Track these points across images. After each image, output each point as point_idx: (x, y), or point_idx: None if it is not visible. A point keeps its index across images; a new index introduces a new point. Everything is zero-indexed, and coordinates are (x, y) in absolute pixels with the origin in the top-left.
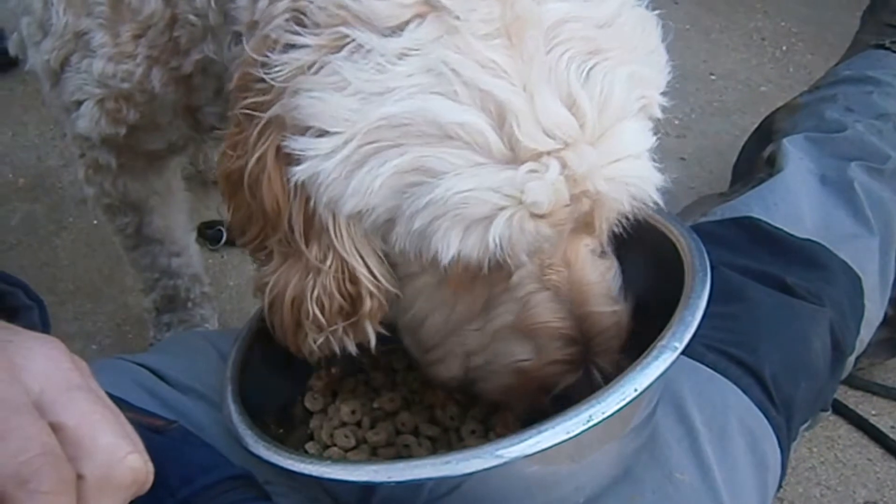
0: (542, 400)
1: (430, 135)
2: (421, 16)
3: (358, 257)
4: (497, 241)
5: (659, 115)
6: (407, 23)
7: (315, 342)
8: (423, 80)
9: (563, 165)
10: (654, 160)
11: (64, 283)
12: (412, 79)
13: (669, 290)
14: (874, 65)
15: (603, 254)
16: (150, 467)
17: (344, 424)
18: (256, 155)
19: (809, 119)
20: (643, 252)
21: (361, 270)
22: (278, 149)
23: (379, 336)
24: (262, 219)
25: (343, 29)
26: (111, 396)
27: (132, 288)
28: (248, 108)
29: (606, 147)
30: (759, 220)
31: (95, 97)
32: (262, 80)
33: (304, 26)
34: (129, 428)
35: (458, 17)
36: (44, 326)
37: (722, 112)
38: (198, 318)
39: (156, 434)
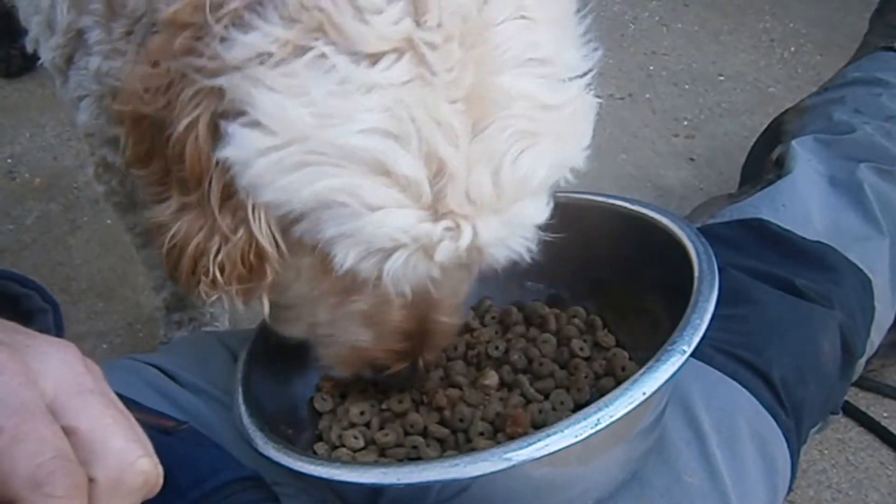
0: (368, 373)
1: (372, 169)
2: (398, 52)
3: (271, 238)
4: (390, 274)
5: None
6: (383, 55)
7: (206, 295)
8: (381, 119)
9: (475, 234)
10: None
11: (77, 282)
12: (372, 115)
13: (678, 292)
14: (883, 67)
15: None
16: (161, 470)
17: (353, 425)
18: (188, 120)
19: (818, 120)
20: (651, 255)
21: (272, 251)
22: (212, 116)
23: None
24: (168, 163)
25: (318, 37)
26: (121, 397)
27: (144, 287)
28: (189, 67)
29: (509, 219)
30: (768, 221)
31: (95, 94)
32: (206, 31)
33: (271, 7)
34: (140, 431)
35: (434, 74)
36: (58, 329)
37: (731, 113)
38: (208, 317)
39: (166, 435)
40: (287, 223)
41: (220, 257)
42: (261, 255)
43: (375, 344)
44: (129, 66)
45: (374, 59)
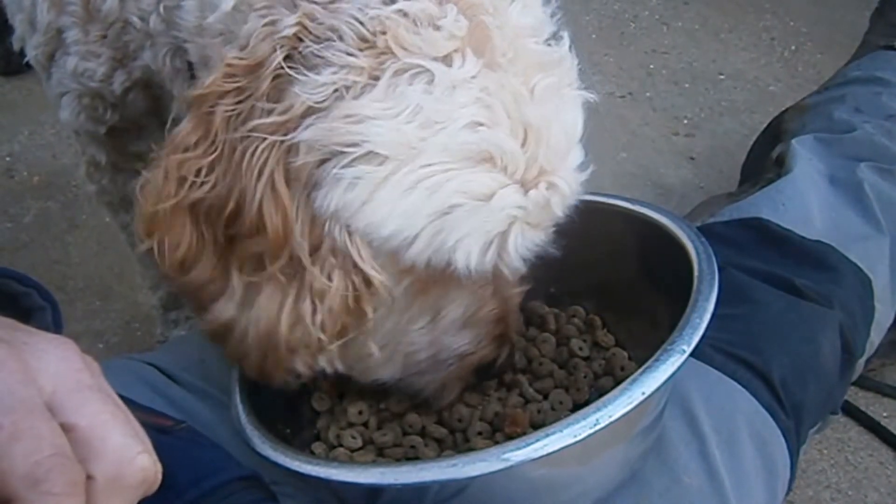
0: (472, 380)
1: (476, 160)
2: (459, 50)
3: (374, 271)
4: (514, 252)
5: None
6: (451, 55)
7: (307, 367)
8: (476, 111)
9: (567, 183)
10: None
11: (74, 280)
12: (467, 109)
13: (677, 292)
14: (883, 66)
15: None
16: (159, 467)
17: (351, 425)
18: (262, 179)
19: (818, 119)
20: (651, 254)
21: (380, 280)
22: (286, 170)
23: None
24: (222, 250)
25: (389, 57)
26: (119, 396)
27: (141, 286)
28: (253, 131)
29: (572, 165)
30: (768, 220)
31: (74, 92)
32: (252, 93)
33: (328, 42)
34: (139, 428)
35: (504, 55)
36: (56, 327)
37: (731, 111)
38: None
39: (164, 434)
40: (400, 251)
41: (319, 316)
42: (359, 295)
43: (477, 343)
44: (104, 69)
45: (447, 60)
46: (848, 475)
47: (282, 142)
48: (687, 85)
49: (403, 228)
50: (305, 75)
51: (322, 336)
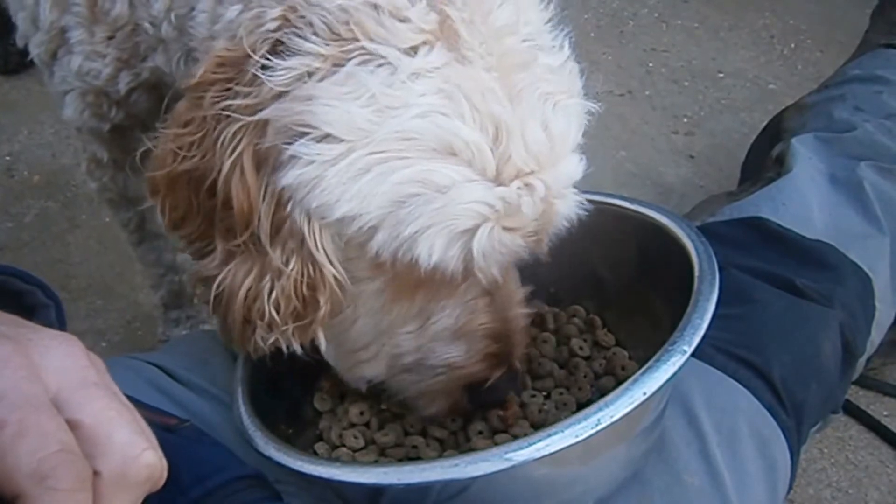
0: (462, 399)
1: (435, 150)
2: (429, 43)
3: (328, 261)
4: (480, 253)
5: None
6: (418, 47)
7: (263, 340)
8: (435, 100)
9: (545, 185)
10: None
11: (76, 280)
12: (425, 98)
13: (678, 292)
14: (883, 64)
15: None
16: (165, 464)
17: (353, 425)
18: (231, 159)
19: (818, 118)
20: (651, 254)
21: (332, 273)
22: (255, 152)
23: None
24: (209, 215)
25: (355, 46)
26: (123, 395)
27: (143, 285)
28: (225, 110)
29: (563, 172)
30: (768, 220)
31: (78, 90)
32: (237, 81)
33: (303, 34)
34: (144, 425)
35: (471, 49)
36: (60, 325)
37: (731, 110)
38: (205, 314)
39: (168, 433)
40: (362, 240)
41: (274, 295)
42: (313, 285)
43: (469, 357)
44: (109, 70)
45: (413, 51)
46: (849, 474)
47: (253, 123)
48: (686, 83)
49: (357, 212)
50: (279, 58)
51: (275, 315)
